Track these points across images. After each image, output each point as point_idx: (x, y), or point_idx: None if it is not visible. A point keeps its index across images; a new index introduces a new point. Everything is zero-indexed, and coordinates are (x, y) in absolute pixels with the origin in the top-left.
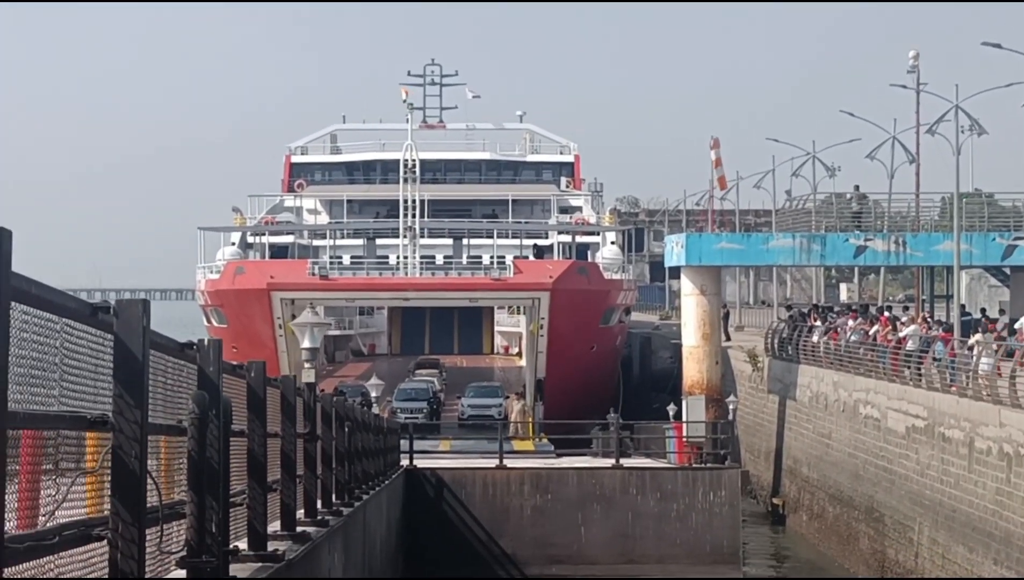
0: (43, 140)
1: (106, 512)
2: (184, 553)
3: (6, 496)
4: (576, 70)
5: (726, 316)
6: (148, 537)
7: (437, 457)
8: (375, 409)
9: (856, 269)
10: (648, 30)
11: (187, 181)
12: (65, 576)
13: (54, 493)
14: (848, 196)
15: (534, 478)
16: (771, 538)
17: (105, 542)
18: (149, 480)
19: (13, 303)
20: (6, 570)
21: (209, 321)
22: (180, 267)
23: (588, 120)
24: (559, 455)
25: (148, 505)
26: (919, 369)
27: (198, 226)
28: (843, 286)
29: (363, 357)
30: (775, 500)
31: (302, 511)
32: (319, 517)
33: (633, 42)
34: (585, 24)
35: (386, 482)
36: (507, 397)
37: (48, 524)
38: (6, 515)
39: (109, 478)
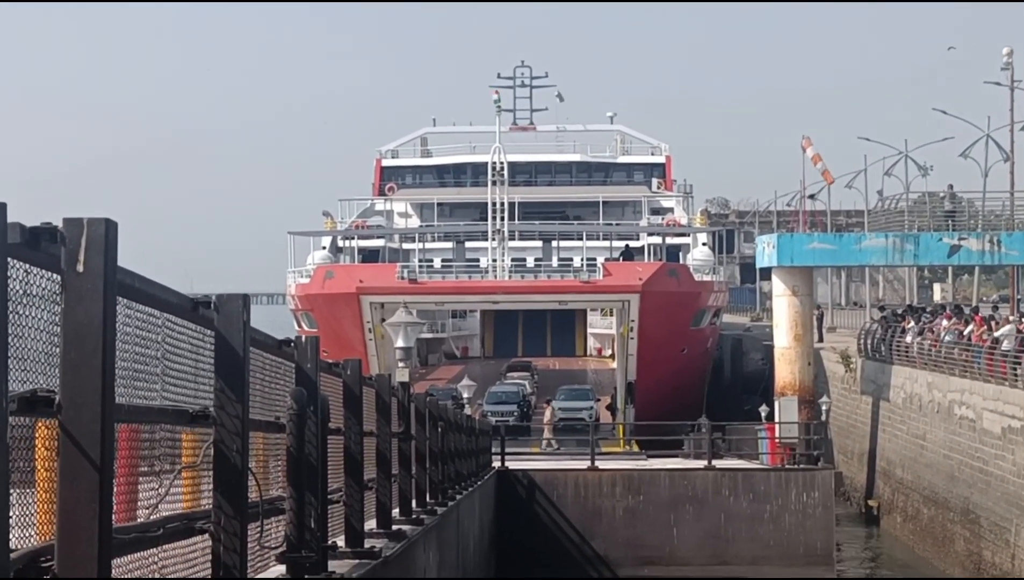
0: (137, 144)
1: (204, 507)
2: (283, 548)
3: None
4: (664, 71)
5: (820, 317)
6: (248, 532)
7: (529, 459)
8: (467, 410)
9: (950, 269)
10: (736, 30)
11: (278, 185)
12: (168, 568)
13: (156, 486)
14: (941, 195)
15: (626, 479)
16: (865, 540)
17: (207, 536)
18: (249, 475)
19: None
20: (114, 561)
21: (300, 325)
22: (270, 272)
23: (675, 121)
24: (649, 457)
25: (248, 500)
26: (1015, 369)
27: (288, 231)
28: (936, 286)
29: (456, 360)
30: (869, 502)
31: (397, 510)
32: (414, 516)
33: (721, 43)
34: (672, 25)
35: (479, 483)
36: (598, 399)
37: (152, 517)
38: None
39: (208, 473)
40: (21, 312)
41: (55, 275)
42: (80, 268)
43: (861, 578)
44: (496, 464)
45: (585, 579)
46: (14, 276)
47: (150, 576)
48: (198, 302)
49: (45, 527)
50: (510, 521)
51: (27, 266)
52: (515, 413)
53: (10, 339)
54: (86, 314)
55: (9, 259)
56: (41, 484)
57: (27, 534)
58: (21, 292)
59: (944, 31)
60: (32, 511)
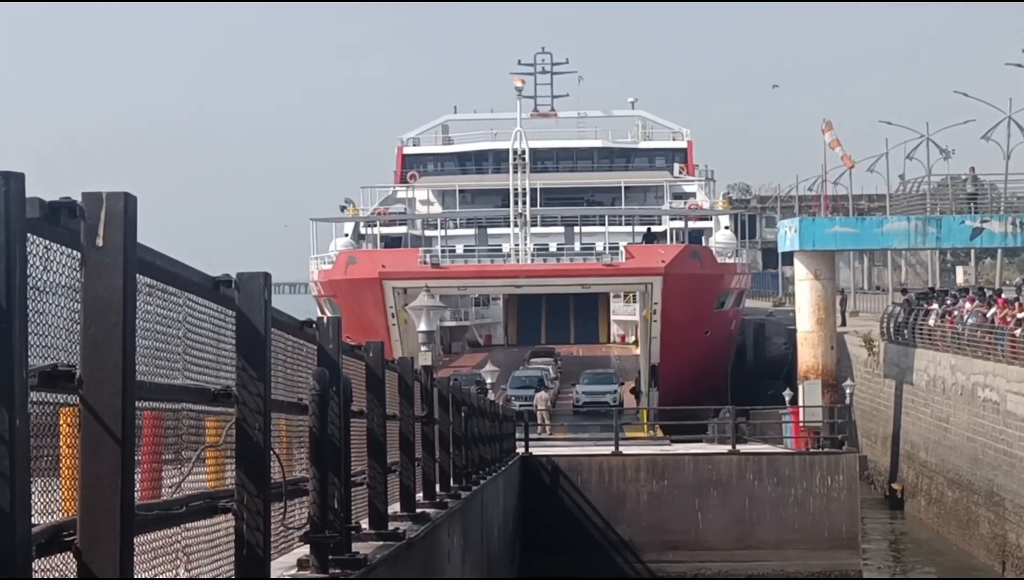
0: (157, 133)
1: (228, 486)
2: (307, 529)
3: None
4: (685, 56)
5: (843, 301)
6: (271, 513)
7: (552, 444)
8: (490, 396)
9: (972, 252)
10: (756, 14)
11: (300, 174)
12: (192, 547)
13: (180, 469)
14: (963, 177)
15: (650, 464)
16: (890, 523)
17: (230, 516)
18: (272, 456)
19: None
20: (138, 539)
21: (323, 312)
22: (292, 260)
23: (695, 106)
24: (673, 442)
25: (271, 481)
26: None
27: (311, 217)
28: (959, 269)
29: (479, 348)
30: (893, 485)
31: (421, 494)
32: (438, 499)
33: (742, 27)
34: (693, 10)
35: (503, 468)
36: (622, 383)
37: (175, 496)
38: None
39: (231, 453)
40: (41, 287)
41: (75, 251)
42: (99, 242)
43: (887, 578)
44: (520, 450)
45: (610, 565)
46: (34, 251)
47: (174, 555)
48: (219, 281)
49: (68, 504)
50: (535, 506)
51: (47, 242)
52: (532, 398)
53: (30, 315)
54: (106, 288)
55: (29, 235)
56: (64, 462)
57: (50, 508)
58: (41, 267)
59: (965, 13)
60: (56, 488)
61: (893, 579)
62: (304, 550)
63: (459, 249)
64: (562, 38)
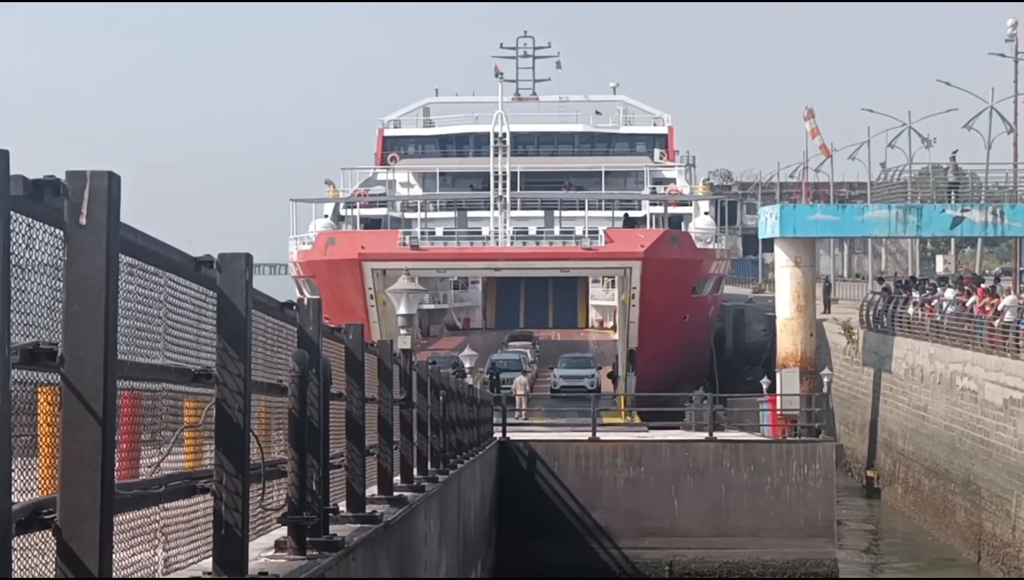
0: (138, 112)
1: (207, 466)
2: (285, 510)
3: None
4: (667, 42)
5: (827, 288)
6: (250, 494)
7: (530, 429)
8: (468, 379)
9: (952, 241)
10: (739, 2)
11: (280, 155)
12: (170, 527)
13: (159, 451)
14: (944, 166)
15: (627, 451)
16: (866, 511)
17: (209, 497)
18: (251, 437)
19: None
20: (117, 518)
21: (302, 292)
22: (271, 242)
23: (678, 92)
24: (650, 428)
25: (250, 462)
26: (1017, 340)
27: (290, 198)
28: (939, 258)
29: (457, 331)
30: (869, 473)
31: (398, 477)
32: (415, 483)
33: (724, 13)
34: None
35: (480, 452)
36: (599, 368)
37: (154, 476)
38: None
39: (210, 434)
40: (23, 265)
41: (58, 230)
42: (83, 221)
43: (866, 578)
44: (497, 434)
45: (586, 551)
46: (16, 229)
47: (152, 535)
48: (201, 261)
49: (47, 483)
50: (511, 491)
51: (30, 220)
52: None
53: (12, 293)
54: (89, 267)
55: (12, 213)
56: (43, 440)
57: (29, 487)
58: (23, 245)
59: (949, 2)
60: (35, 467)
61: (867, 579)
62: (282, 531)
63: (439, 231)
64: (544, 22)
